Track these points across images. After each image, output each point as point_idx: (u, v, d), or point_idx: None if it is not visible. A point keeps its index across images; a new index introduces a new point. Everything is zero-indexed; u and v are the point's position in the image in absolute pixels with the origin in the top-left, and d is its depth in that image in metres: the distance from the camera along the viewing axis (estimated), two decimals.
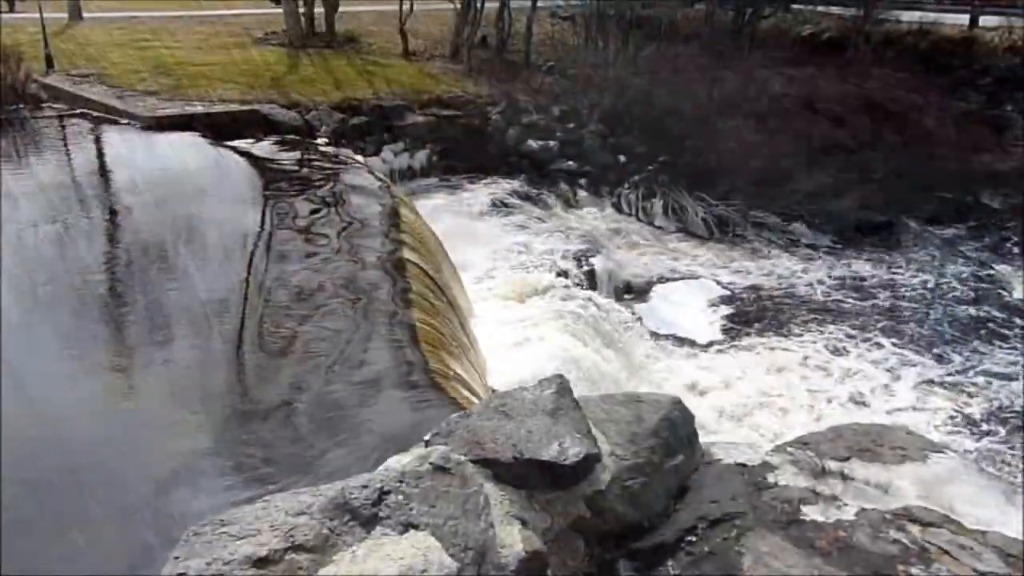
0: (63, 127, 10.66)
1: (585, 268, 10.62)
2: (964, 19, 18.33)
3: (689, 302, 11.57)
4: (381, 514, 2.23)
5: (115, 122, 10.93)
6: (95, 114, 11.30)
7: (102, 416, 3.92)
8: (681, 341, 10.23)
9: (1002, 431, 8.29)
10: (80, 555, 2.94)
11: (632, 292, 11.55)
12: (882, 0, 18.35)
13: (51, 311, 5.08)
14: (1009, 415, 8.60)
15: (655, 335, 10.27)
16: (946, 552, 2.61)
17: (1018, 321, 10.95)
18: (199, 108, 11.53)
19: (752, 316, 11.12)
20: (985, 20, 17.96)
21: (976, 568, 2.54)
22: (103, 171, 8.87)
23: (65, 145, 9.85)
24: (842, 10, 19.32)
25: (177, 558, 2.01)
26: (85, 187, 7.96)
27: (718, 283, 12.27)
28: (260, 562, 2.00)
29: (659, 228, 14.14)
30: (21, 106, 11.49)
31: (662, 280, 12.14)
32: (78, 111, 11.46)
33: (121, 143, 10.06)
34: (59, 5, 18.59)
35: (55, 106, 11.76)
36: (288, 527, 2.10)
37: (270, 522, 2.12)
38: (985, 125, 16.71)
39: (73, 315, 4.99)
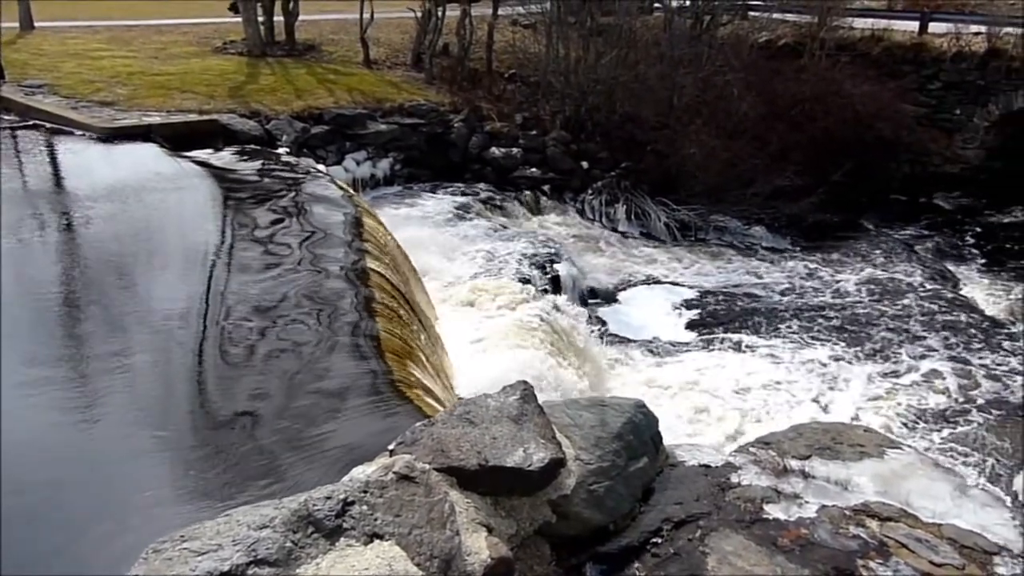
0: (15, 139, 10.41)
1: (550, 274, 10.67)
2: (914, 25, 18.78)
3: (653, 306, 11.70)
4: (345, 525, 2.22)
5: (70, 133, 10.70)
6: (49, 125, 11.03)
7: (59, 427, 3.84)
8: (646, 344, 10.32)
9: (954, 426, 8.49)
10: None
11: (597, 297, 11.64)
12: (836, 7, 18.76)
13: (4, 323, 4.95)
14: (962, 410, 8.82)
15: (620, 339, 10.36)
16: (904, 546, 2.67)
17: (969, 318, 11.24)
18: (156, 118, 11.34)
19: (715, 318, 11.27)
20: (934, 27, 18.42)
21: (932, 560, 2.60)
22: (57, 183, 8.69)
23: (18, 157, 9.62)
24: (798, 17, 19.71)
25: None
26: (38, 200, 7.79)
27: (681, 286, 12.43)
28: None
29: (623, 233, 14.31)
30: None
31: (626, 285, 12.27)
32: (31, 122, 11.20)
33: (76, 154, 9.86)
34: (10, 14, 18.17)
35: (7, 117, 11.47)
36: (250, 541, 2.08)
37: (232, 536, 2.10)
38: (936, 129, 17.18)
39: (28, 329, 4.88)
